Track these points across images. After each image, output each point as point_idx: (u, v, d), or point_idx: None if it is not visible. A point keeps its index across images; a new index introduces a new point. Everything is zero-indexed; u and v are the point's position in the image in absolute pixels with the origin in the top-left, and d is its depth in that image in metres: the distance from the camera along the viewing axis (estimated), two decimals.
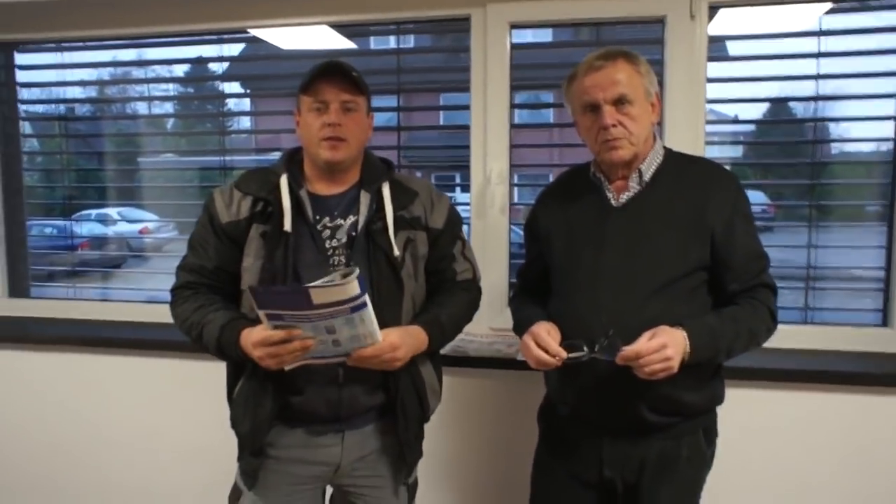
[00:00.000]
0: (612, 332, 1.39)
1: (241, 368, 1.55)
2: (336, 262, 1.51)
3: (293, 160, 1.60)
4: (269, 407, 1.50)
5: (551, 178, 2.25)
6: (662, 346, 1.34)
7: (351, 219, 1.54)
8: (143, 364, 2.48)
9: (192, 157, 2.94)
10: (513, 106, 2.30)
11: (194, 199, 2.68)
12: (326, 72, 1.50)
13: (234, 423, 1.57)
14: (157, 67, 2.81)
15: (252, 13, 2.42)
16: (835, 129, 2.30)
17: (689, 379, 1.45)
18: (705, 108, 2.17)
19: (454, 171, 2.77)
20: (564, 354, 1.43)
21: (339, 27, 2.44)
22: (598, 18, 2.21)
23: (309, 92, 1.51)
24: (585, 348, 1.42)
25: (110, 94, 2.83)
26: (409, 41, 3.01)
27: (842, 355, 2.11)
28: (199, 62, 2.74)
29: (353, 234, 1.52)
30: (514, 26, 2.26)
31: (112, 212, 3.21)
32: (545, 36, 2.51)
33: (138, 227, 3.13)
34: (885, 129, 2.13)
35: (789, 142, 2.39)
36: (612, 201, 1.56)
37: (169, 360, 2.45)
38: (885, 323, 2.16)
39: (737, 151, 2.56)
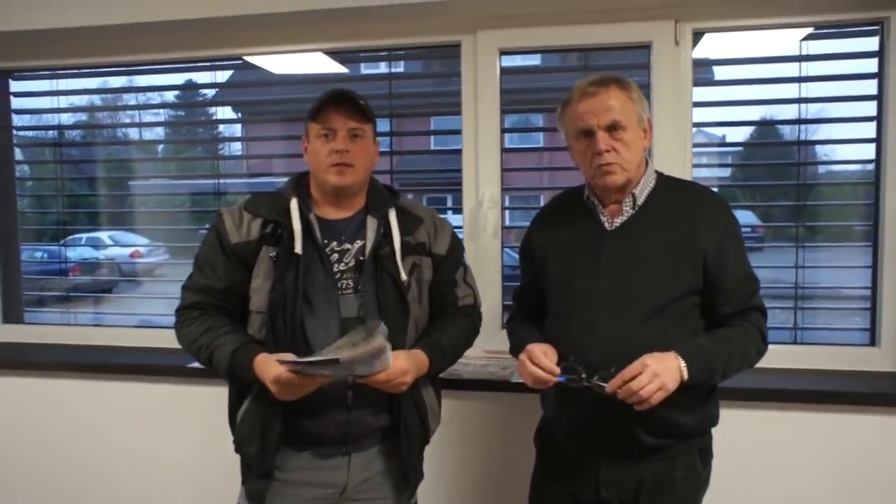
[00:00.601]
0: (615, 369, 1.40)
1: (245, 390, 1.55)
2: (344, 286, 1.53)
3: (301, 184, 1.62)
4: (278, 429, 1.50)
5: (542, 201, 2.29)
6: (644, 367, 1.37)
7: (358, 243, 1.57)
8: (137, 389, 2.46)
9: (183, 181, 2.95)
10: (503, 130, 2.33)
11: (185, 224, 2.70)
12: (334, 100, 1.54)
13: (241, 445, 1.57)
14: (147, 93, 2.83)
15: (245, 41, 2.45)
16: (820, 151, 2.35)
17: (684, 401, 1.47)
18: (691, 130, 2.22)
19: (446, 194, 2.79)
20: (557, 371, 1.45)
21: (332, 53, 2.47)
22: (586, 45, 2.26)
23: (317, 119, 1.54)
24: (584, 374, 1.43)
25: (102, 120, 2.84)
26: (400, 66, 3.05)
27: (831, 374, 2.14)
28: (190, 87, 2.76)
29: (361, 258, 1.55)
30: (504, 52, 2.30)
31: (103, 235, 3.21)
32: (534, 60, 2.56)
33: (129, 251, 3.12)
34: (867, 151, 2.18)
35: (775, 163, 2.44)
36: (606, 225, 1.58)
37: (163, 384, 2.43)
38: (872, 342, 2.19)
39: (725, 172, 2.61)
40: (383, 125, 2.46)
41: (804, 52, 2.20)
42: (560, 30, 2.22)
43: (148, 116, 2.82)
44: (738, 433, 1.99)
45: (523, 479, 1.75)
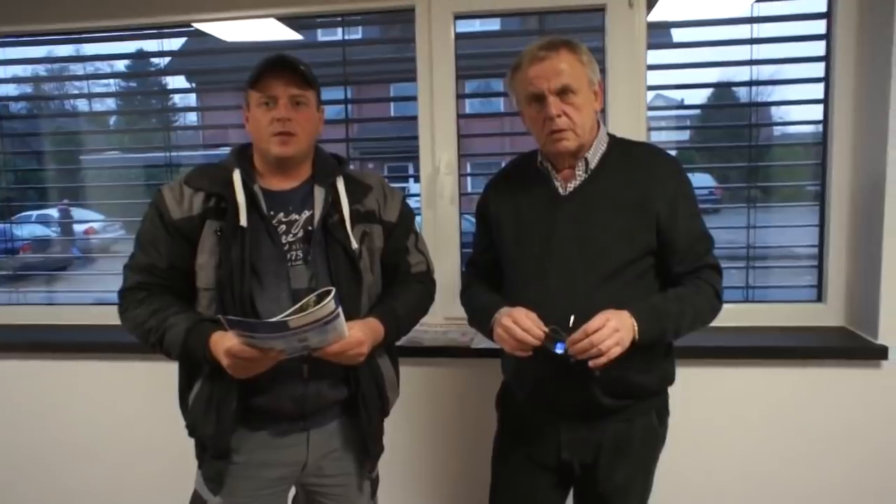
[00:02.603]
0: (573, 324, 1.40)
1: (196, 371, 1.52)
2: (294, 257, 1.50)
3: (243, 155, 1.58)
4: (234, 407, 1.48)
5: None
6: (606, 320, 1.37)
7: (306, 213, 1.54)
8: (93, 367, 2.43)
9: (137, 154, 2.86)
10: (459, 96, 2.31)
11: (141, 198, 2.62)
12: (274, 66, 1.48)
13: (194, 428, 1.54)
14: (96, 62, 2.72)
15: (196, 6, 2.37)
16: (776, 113, 2.39)
17: (641, 361, 1.48)
18: (646, 93, 2.23)
19: (407, 162, 2.77)
20: (542, 336, 1.42)
21: (286, 20, 2.40)
22: (541, 8, 2.24)
23: (257, 87, 1.49)
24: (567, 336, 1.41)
25: (48, 91, 2.74)
26: (358, 32, 2.99)
27: (782, 331, 2.21)
28: (141, 56, 2.67)
29: (310, 228, 1.52)
30: (459, 17, 2.27)
31: (54, 212, 3.12)
32: (493, 24, 2.53)
33: (83, 227, 3.04)
34: (816, 112, 2.21)
35: (727, 126, 2.47)
36: (560, 190, 1.58)
37: (120, 362, 2.40)
38: (819, 298, 2.26)
39: (684, 135, 2.63)
40: (338, 93, 2.41)
41: (756, 14, 2.22)
42: None
43: (97, 87, 2.71)
44: (692, 391, 2.03)
45: (485, 444, 1.76)
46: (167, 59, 2.66)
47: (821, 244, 2.24)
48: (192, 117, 2.82)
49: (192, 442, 1.59)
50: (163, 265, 1.51)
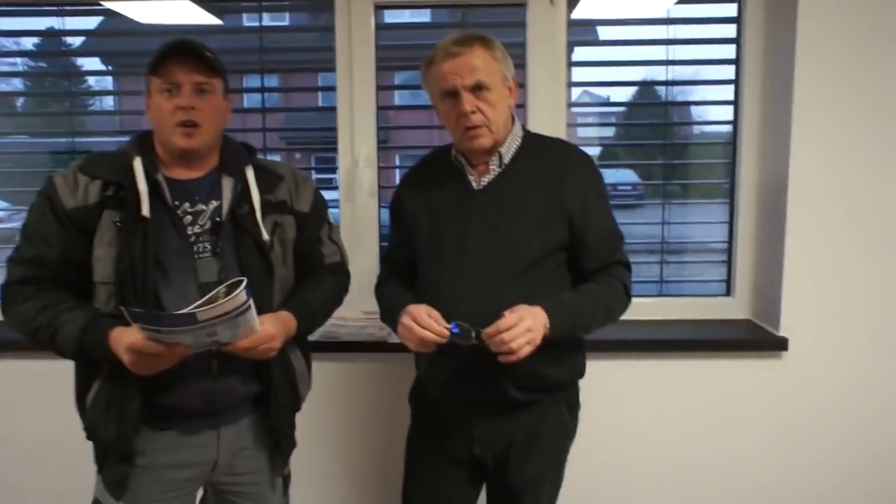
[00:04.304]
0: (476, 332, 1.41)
1: (94, 370, 1.44)
2: (201, 249, 1.44)
3: (145, 142, 1.49)
4: (137, 407, 1.41)
5: None
6: (519, 319, 1.37)
7: (213, 204, 1.48)
8: None
9: (47, 140, 2.70)
10: (382, 87, 2.28)
11: None
12: (177, 51, 1.41)
13: (94, 431, 1.45)
14: (3, 40, 2.56)
15: None
16: (694, 112, 2.46)
17: (552, 354, 1.49)
18: (568, 90, 2.25)
19: (334, 153, 2.72)
20: (446, 333, 1.41)
21: (204, 2, 2.31)
22: (462, 1, 2.23)
23: (158, 72, 1.41)
24: (473, 332, 1.41)
25: None
26: (284, 19, 2.91)
27: (692, 324, 2.28)
28: (53, 34, 2.50)
29: (218, 219, 1.46)
30: (379, 7, 2.24)
31: None
32: (423, 16, 2.51)
33: None
34: (727, 112, 2.29)
35: (649, 123, 2.54)
36: (474, 184, 1.57)
37: (21, 361, 2.26)
38: (728, 292, 2.35)
39: (609, 132, 2.68)
40: (254, 80, 2.34)
41: (672, 16, 2.27)
42: None
43: (2, 66, 2.55)
44: (602, 383, 2.07)
45: (400, 440, 1.76)
46: (80, 39, 2.51)
47: (730, 240, 2.32)
48: (108, 101, 2.66)
49: (90, 445, 1.51)
50: (53, 258, 1.41)
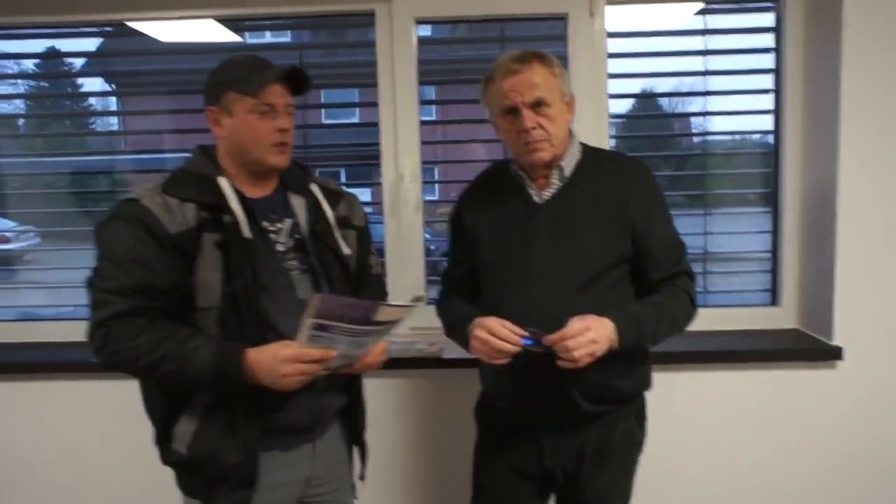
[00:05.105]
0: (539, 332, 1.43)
1: (182, 400, 1.41)
2: (290, 267, 1.46)
3: (213, 160, 1.48)
4: (257, 429, 1.40)
5: (436, 175, 2.25)
6: (585, 329, 1.39)
7: (287, 221, 1.49)
8: (25, 388, 2.25)
9: (59, 159, 2.64)
10: (423, 102, 2.29)
11: (53, 205, 2.48)
12: (281, 75, 1.42)
13: (209, 460, 1.40)
14: (7, 62, 2.54)
15: (134, 5, 2.26)
16: (718, 122, 2.45)
17: (620, 366, 1.51)
18: (608, 101, 2.25)
19: (365, 169, 2.71)
20: (520, 342, 1.43)
21: (228, 20, 2.31)
22: (503, 14, 2.23)
23: (254, 93, 1.40)
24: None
25: None
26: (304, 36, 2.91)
27: (741, 334, 2.26)
28: (55, 56, 2.49)
29: (297, 236, 1.49)
30: (420, 22, 2.24)
31: None
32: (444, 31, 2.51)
33: None
34: (765, 122, 2.30)
35: (681, 135, 2.56)
36: (536, 198, 1.58)
37: (56, 381, 2.24)
38: (773, 302, 2.34)
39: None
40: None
41: (708, 27, 2.28)
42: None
43: (5, 87, 2.53)
44: (656, 395, 2.06)
45: (460, 455, 1.74)
46: (87, 60, 2.53)
47: (774, 249, 2.31)
48: (112, 121, 2.66)
49: (149, 465, 1.49)
50: (164, 285, 1.35)
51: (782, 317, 2.30)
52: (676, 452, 2.18)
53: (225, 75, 1.44)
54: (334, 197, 1.58)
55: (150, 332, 1.33)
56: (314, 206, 1.53)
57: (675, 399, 2.15)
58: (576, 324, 1.39)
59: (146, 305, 1.34)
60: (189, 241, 1.36)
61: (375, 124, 2.28)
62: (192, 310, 1.38)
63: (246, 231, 1.38)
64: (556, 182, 1.57)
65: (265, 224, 1.46)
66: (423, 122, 2.30)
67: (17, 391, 2.26)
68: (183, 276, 1.36)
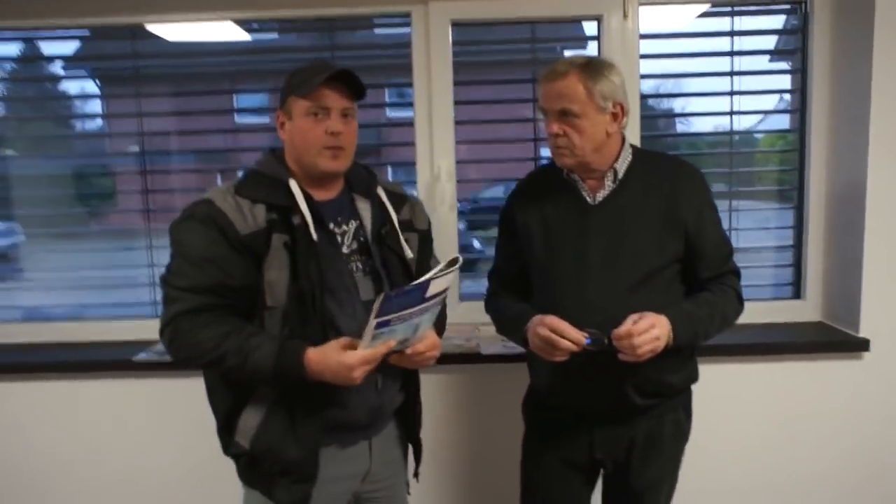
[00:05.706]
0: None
1: (247, 393, 1.44)
2: (355, 269, 1.49)
3: (283, 162, 1.51)
4: (319, 425, 1.43)
5: None
6: (651, 326, 1.44)
7: (352, 224, 1.52)
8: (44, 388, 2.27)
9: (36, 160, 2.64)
10: (458, 102, 2.31)
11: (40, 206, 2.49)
12: (332, 77, 1.43)
13: (270, 454, 1.44)
14: None
15: (151, 7, 2.27)
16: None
17: (671, 361, 1.56)
18: (639, 102, 2.30)
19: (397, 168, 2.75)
20: (583, 341, 1.47)
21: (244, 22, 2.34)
22: (537, 17, 2.27)
23: (309, 96, 1.43)
24: (606, 339, 1.47)
25: None
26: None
27: (765, 327, 2.32)
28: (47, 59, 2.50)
29: (362, 239, 1.51)
30: (455, 24, 2.26)
31: None
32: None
33: None
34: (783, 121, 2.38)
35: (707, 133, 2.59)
36: (589, 199, 1.62)
37: (65, 381, 2.27)
38: (797, 295, 2.41)
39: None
40: None
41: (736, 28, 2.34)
42: (512, 1, 2.22)
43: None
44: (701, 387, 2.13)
45: (504, 449, 1.79)
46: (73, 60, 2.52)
47: (798, 243, 2.37)
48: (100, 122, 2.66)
49: (191, 463, 1.55)
50: (235, 285, 1.39)
51: (805, 310, 2.37)
52: (704, 444, 2.23)
53: (290, 80, 1.47)
54: (399, 200, 1.60)
55: (215, 328, 1.37)
56: (379, 209, 1.55)
57: (703, 392, 2.20)
58: (643, 321, 1.44)
59: (214, 303, 1.39)
60: (259, 241, 1.40)
61: (395, 124, 2.30)
62: (259, 308, 1.42)
63: (313, 233, 1.41)
64: (609, 184, 1.61)
65: (331, 226, 1.48)
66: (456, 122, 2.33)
67: (52, 390, 2.27)
68: (252, 276, 1.40)
